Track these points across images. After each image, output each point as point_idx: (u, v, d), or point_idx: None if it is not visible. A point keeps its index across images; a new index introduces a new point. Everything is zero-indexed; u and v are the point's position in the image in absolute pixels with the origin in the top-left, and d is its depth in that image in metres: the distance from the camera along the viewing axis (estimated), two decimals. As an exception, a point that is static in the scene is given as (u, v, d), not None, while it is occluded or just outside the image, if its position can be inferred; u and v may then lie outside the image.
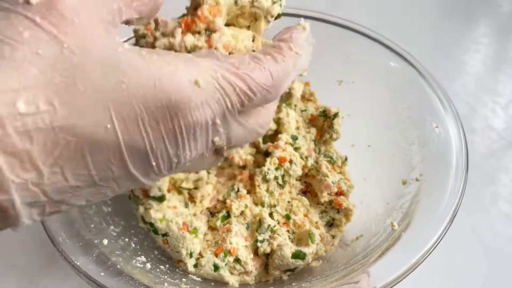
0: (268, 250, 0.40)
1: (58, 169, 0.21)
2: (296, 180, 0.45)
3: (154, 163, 0.24)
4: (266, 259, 0.41)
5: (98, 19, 0.22)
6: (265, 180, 0.43)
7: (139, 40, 0.29)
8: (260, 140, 0.44)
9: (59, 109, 0.20)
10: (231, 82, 0.24)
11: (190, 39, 0.28)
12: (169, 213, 0.39)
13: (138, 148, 0.23)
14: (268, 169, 0.43)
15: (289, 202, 0.44)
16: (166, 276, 0.38)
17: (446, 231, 0.35)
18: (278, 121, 0.46)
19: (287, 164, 0.43)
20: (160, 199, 0.40)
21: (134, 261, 0.38)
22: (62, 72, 0.20)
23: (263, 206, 0.43)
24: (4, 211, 0.21)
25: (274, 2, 0.32)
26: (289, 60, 0.28)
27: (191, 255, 0.40)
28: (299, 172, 0.44)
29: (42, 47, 0.20)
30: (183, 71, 0.23)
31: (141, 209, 0.39)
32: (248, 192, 0.44)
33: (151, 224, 0.40)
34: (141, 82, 0.22)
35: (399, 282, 0.34)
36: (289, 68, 0.28)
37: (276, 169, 0.43)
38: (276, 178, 0.43)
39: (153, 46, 0.28)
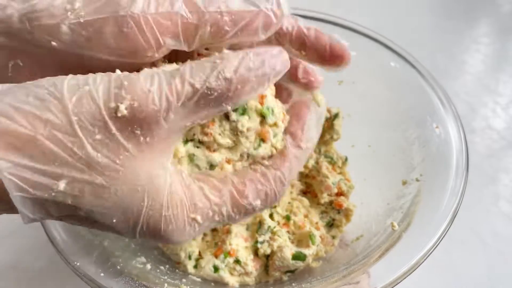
0: (268, 251, 0.40)
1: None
2: (297, 180, 0.45)
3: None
4: (266, 260, 0.41)
5: (159, 153, 0.25)
6: None
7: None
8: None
9: (87, 198, 0.24)
10: (228, 205, 0.28)
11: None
12: None
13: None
14: None
15: (289, 203, 0.44)
16: (166, 277, 0.38)
17: (447, 231, 0.35)
18: None
19: None
20: None
21: (134, 261, 0.38)
22: (106, 175, 0.24)
23: (263, 207, 0.43)
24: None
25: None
26: (289, 169, 0.30)
27: (189, 257, 0.40)
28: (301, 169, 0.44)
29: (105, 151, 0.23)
30: (188, 210, 0.26)
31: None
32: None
33: (150, 226, 0.40)
34: (155, 206, 0.25)
35: (400, 282, 0.33)
36: (286, 176, 0.30)
37: None
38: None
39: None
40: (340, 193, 0.44)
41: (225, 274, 0.40)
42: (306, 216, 0.43)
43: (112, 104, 0.23)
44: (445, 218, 0.36)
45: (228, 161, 0.30)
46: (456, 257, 0.48)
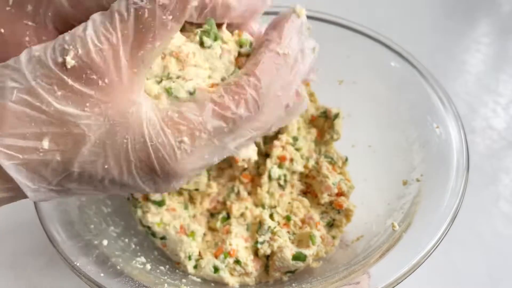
0: (269, 251, 0.40)
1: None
2: (297, 180, 0.45)
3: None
4: (266, 261, 0.41)
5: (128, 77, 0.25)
6: (271, 178, 0.43)
7: None
8: (261, 141, 0.44)
9: (73, 149, 0.25)
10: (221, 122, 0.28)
11: None
12: (167, 216, 0.39)
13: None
14: (272, 167, 0.43)
15: (289, 203, 0.44)
16: (166, 277, 0.38)
17: (447, 232, 0.35)
18: None
19: (287, 162, 0.43)
20: (160, 203, 0.40)
21: (134, 261, 0.38)
22: (80, 124, 0.24)
23: (263, 207, 0.43)
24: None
25: None
26: (264, 73, 0.29)
27: (189, 258, 0.40)
28: (301, 168, 0.44)
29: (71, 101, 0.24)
30: (172, 134, 0.26)
31: (139, 212, 0.39)
32: (249, 194, 0.44)
33: (149, 228, 0.40)
34: (138, 139, 0.26)
35: (400, 282, 0.33)
36: (263, 80, 0.29)
37: (279, 167, 0.43)
38: (279, 178, 0.43)
39: None
40: (340, 194, 0.44)
41: (225, 275, 0.40)
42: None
43: (59, 59, 0.24)
44: (446, 218, 0.36)
45: (211, 86, 0.30)
46: (457, 257, 0.48)
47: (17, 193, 0.26)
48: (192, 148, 0.27)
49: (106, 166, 0.25)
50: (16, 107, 0.23)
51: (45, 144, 0.24)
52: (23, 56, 0.24)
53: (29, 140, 0.24)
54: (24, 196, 0.26)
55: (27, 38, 0.27)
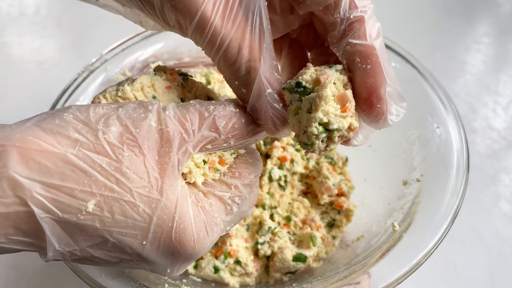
0: (269, 252, 0.40)
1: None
2: (298, 181, 0.45)
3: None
4: (266, 261, 0.41)
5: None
6: (271, 179, 0.43)
7: None
8: (261, 142, 0.44)
9: (117, 218, 0.23)
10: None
11: None
12: None
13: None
14: (272, 168, 0.43)
15: (290, 203, 0.44)
16: (166, 277, 0.38)
17: (447, 232, 0.35)
18: None
19: (288, 163, 0.43)
20: None
21: (135, 262, 0.38)
22: (135, 192, 0.23)
23: (263, 208, 0.43)
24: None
25: None
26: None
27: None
28: (301, 169, 0.44)
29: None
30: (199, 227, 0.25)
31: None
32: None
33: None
34: (184, 219, 0.24)
35: (400, 283, 0.33)
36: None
37: (280, 167, 0.43)
38: (279, 178, 0.43)
39: None
40: (340, 194, 0.44)
41: (225, 275, 0.40)
42: (306, 216, 0.43)
43: (146, 124, 0.24)
44: (446, 218, 0.36)
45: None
46: (457, 257, 0.48)
47: (33, 248, 0.23)
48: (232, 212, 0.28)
49: (144, 242, 0.24)
50: (76, 161, 0.22)
51: (90, 206, 0.22)
52: (92, 111, 0.23)
53: (75, 199, 0.22)
54: (38, 251, 0.24)
55: None
